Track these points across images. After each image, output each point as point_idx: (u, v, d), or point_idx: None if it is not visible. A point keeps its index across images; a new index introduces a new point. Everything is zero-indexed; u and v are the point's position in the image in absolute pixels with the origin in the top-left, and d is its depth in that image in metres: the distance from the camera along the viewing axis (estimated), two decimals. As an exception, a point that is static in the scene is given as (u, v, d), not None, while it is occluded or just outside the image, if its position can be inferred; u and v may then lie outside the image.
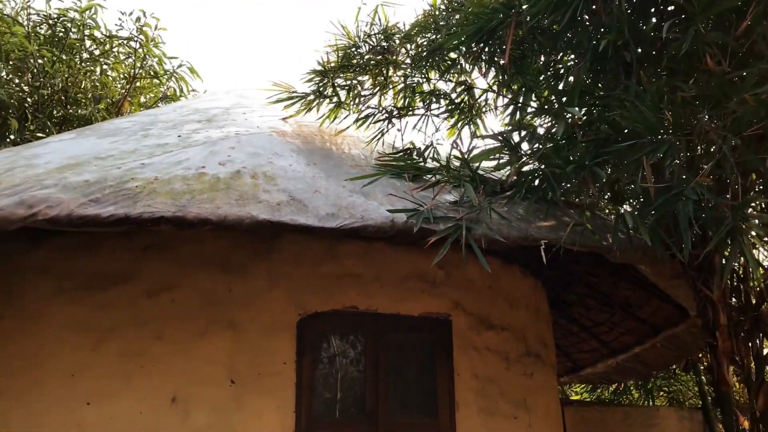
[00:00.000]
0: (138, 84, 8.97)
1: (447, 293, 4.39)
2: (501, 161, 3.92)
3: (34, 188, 2.81)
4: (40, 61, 7.96)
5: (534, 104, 4.07)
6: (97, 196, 2.78)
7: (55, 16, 8.50)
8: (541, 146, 3.45)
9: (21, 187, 2.84)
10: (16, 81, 7.72)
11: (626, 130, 3.04)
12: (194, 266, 3.87)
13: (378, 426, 3.97)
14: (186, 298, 3.82)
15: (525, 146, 3.70)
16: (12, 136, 7.13)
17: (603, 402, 9.19)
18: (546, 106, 3.82)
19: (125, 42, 9.00)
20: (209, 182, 3.04)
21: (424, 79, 4.43)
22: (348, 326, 4.12)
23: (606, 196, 3.85)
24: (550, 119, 3.78)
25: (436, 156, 3.87)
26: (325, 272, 4.02)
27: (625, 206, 3.50)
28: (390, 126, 4.37)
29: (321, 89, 4.47)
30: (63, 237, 3.96)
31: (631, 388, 10.23)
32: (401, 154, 3.88)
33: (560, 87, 3.94)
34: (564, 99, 3.47)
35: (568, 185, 3.46)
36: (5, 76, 7.74)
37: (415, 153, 3.82)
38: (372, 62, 4.35)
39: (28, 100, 8.00)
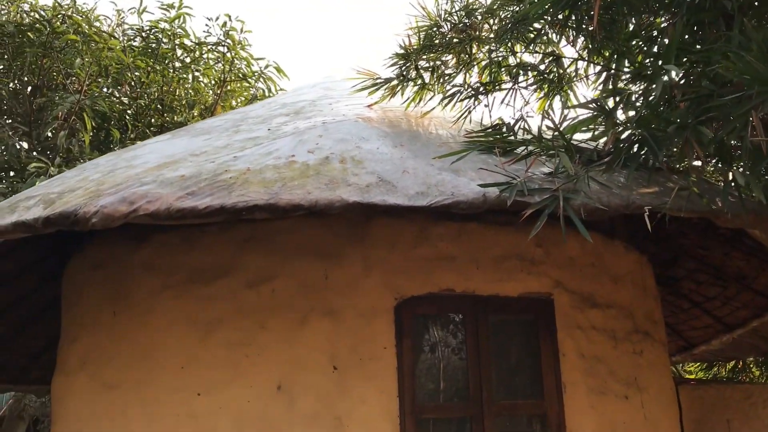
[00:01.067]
0: (228, 88, 9.23)
1: (547, 272, 4.26)
2: (596, 131, 3.76)
3: (134, 186, 2.91)
4: (136, 73, 8.32)
5: (627, 70, 3.87)
6: (193, 189, 2.85)
7: (147, 28, 8.86)
8: (638, 111, 3.27)
9: (122, 186, 2.95)
10: (116, 94, 8.11)
11: (730, 84, 2.84)
12: (291, 256, 3.92)
13: (482, 409, 3.90)
14: (285, 288, 3.88)
15: (621, 114, 3.53)
16: (114, 146, 7.49)
17: (721, 380, 8.72)
18: (641, 72, 3.63)
19: (214, 47, 9.27)
20: (299, 169, 3.06)
21: (510, 53, 4.31)
22: (446, 309, 4.06)
23: (712, 158, 3.61)
24: (645, 84, 3.59)
25: (526, 129, 3.75)
26: (419, 255, 3.99)
27: (733, 167, 3.27)
28: (477, 103, 4.28)
29: (404, 73, 4.42)
30: (166, 234, 4.11)
31: (751, 365, 9.66)
32: (490, 129, 3.78)
33: (654, 50, 3.73)
34: (660, 61, 3.28)
35: (670, 149, 3.27)
36: (106, 90, 8.14)
37: (504, 128, 3.72)
38: (455, 40, 4.27)
39: (128, 111, 8.39)
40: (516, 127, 3.70)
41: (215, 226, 4.04)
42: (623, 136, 3.45)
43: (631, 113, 3.48)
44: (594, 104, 3.33)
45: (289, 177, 2.94)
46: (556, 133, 3.30)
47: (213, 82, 9.30)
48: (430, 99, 4.52)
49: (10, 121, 7.43)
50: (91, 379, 4.13)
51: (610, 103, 3.49)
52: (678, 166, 3.71)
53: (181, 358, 3.87)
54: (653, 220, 3.07)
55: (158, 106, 8.52)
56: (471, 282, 4.05)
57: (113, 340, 4.11)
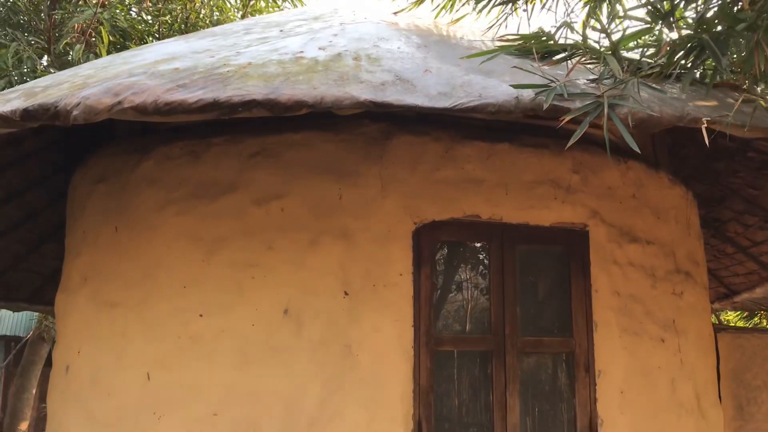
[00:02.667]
0: (254, 7, 8.80)
1: (583, 201, 3.89)
2: (647, 43, 3.32)
3: (122, 77, 2.59)
4: (158, -12, 7.95)
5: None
6: (185, 81, 2.52)
7: (172, -58, 8.42)
8: (699, 11, 2.83)
9: (110, 79, 2.64)
10: (135, 9, 7.76)
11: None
12: (303, 173, 3.61)
13: (504, 343, 3.60)
14: (295, 207, 3.58)
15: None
16: (135, 65, 7.17)
17: (763, 329, 8.32)
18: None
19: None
20: (306, 65, 2.71)
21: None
22: (470, 237, 3.74)
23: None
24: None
25: (568, 37, 3.32)
26: (442, 177, 3.64)
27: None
28: (513, 10, 3.85)
29: (435, -24, 4.00)
30: (169, 146, 3.82)
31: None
32: (528, 35, 3.36)
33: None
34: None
35: (734, 58, 2.84)
36: (126, 5, 7.80)
37: (544, 35, 3.30)
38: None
39: (150, 30, 8.04)
40: (557, 35, 3.28)
41: (221, 137, 3.74)
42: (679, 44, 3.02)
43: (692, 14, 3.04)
44: (648, 5, 2.89)
45: (293, 72, 2.59)
46: (603, 36, 2.88)
47: (239, 0, 8.88)
48: (462, 5, 4.08)
49: (27, 35, 7.16)
50: (92, 297, 3.92)
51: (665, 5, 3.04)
52: (741, 76, 3.25)
53: (184, 277, 3.63)
54: (710, 136, 2.66)
55: (182, 25, 8.15)
56: (499, 208, 3.71)
57: (114, 257, 3.88)
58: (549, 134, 3.92)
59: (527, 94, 2.61)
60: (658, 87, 2.75)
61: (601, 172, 3.98)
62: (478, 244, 3.77)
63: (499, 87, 2.61)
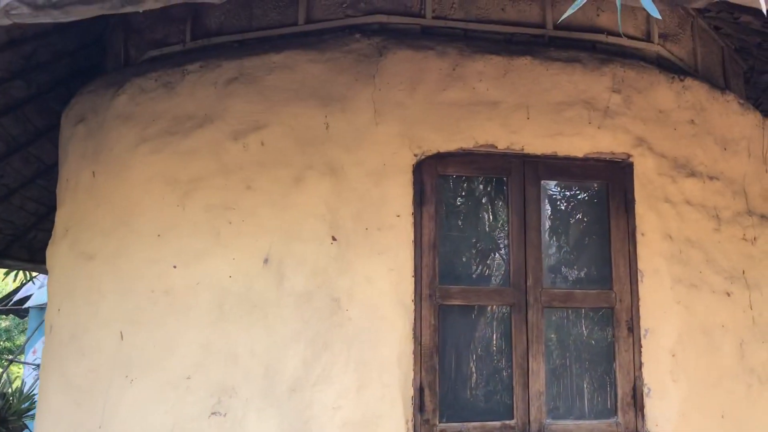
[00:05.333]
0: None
1: (626, 126, 3.22)
2: None
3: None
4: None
5: None
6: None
7: None
8: None
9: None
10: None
11: None
12: (285, 100, 3.10)
13: (526, 297, 3.02)
14: (277, 140, 3.09)
15: None
16: None
17: None
18: None
19: None
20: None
21: None
22: (484, 170, 3.14)
23: None
24: None
25: None
26: (449, 99, 3.05)
27: None
28: None
29: None
30: (145, 78, 3.38)
31: None
32: None
33: None
34: None
35: None
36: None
37: None
38: None
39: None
40: None
41: (196, 63, 3.27)
42: None
43: None
44: None
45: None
46: None
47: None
48: None
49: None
50: (71, 248, 3.56)
51: None
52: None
53: (158, 224, 3.21)
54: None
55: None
56: (519, 136, 3.10)
57: (92, 204, 3.49)
58: (581, 47, 3.26)
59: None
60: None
61: (650, 92, 3.29)
62: (494, 179, 3.17)
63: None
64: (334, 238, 2.96)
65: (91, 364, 3.27)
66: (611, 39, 3.41)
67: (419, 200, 2.99)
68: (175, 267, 3.12)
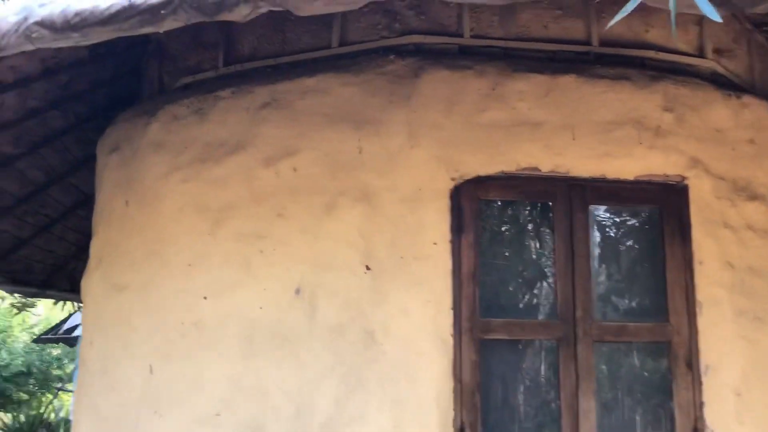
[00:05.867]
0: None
1: (679, 146, 3.01)
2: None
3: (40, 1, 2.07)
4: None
5: None
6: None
7: None
8: None
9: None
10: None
11: None
12: (317, 125, 2.99)
13: (575, 330, 2.81)
14: (309, 165, 2.97)
15: None
16: None
17: None
18: None
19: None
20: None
21: None
22: (527, 195, 2.96)
23: None
24: None
25: None
26: (488, 120, 2.90)
27: None
28: None
29: None
30: (177, 105, 3.32)
31: None
32: None
33: None
34: None
35: None
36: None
37: None
38: None
39: None
40: None
41: (228, 89, 3.19)
42: None
43: None
44: None
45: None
46: None
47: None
48: None
49: None
50: (103, 279, 3.50)
51: None
52: None
53: (189, 253, 3.11)
54: None
55: None
56: (564, 158, 2.92)
57: (124, 234, 3.43)
58: (630, 64, 3.08)
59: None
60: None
61: (704, 110, 3.08)
62: (538, 204, 2.99)
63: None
64: (367, 268, 2.82)
65: (121, 399, 3.17)
66: (661, 55, 3.21)
67: (458, 227, 2.82)
68: (205, 298, 3.02)
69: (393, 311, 2.77)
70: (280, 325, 2.87)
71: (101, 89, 4.21)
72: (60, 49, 3.40)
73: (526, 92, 2.92)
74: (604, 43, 3.13)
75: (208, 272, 3.05)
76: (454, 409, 2.71)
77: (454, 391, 2.72)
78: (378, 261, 2.82)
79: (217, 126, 3.18)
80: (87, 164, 4.82)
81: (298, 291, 2.87)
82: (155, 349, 3.10)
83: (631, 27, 3.18)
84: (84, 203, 5.17)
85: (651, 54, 3.19)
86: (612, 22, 1.59)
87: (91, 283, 3.62)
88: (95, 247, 3.68)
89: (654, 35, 3.24)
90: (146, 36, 3.89)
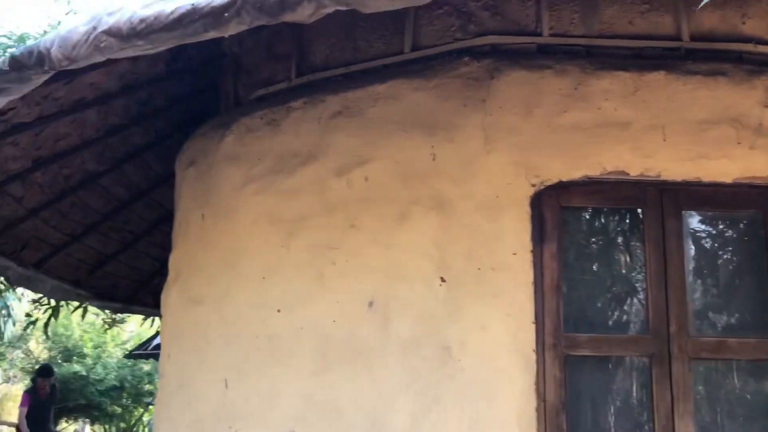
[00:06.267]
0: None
1: (784, 145, 2.75)
2: None
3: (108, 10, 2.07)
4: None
5: None
6: (167, -6, 1.94)
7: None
8: None
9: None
10: None
11: None
12: (389, 132, 2.90)
13: (669, 346, 2.59)
14: (381, 174, 2.88)
15: None
16: None
17: None
18: None
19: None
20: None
21: None
22: (614, 201, 2.77)
23: None
24: None
25: None
26: (570, 122, 2.73)
27: None
28: None
29: None
30: (252, 117, 3.31)
31: None
32: None
33: None
34: None
35: None
36: None
37: None
38: None
39: None
40: None
41: (301, 100, 3.15)
42: None
43: None
44: None
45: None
46: None
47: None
48: None
49: None
50: (180, 293, 3.51)
51: None
52: None
53: (263, 266, 3.08)
54: None
55: None
56: (654, 161, 2.72)
57: (201, 247, 3.44)
58: (725, 59, 2.85)
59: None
60: None
61: (812, 103, 2.80)
62: (626, 211, 2.79)
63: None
64: (443, 280, 2.69)
65: (197, 414, 3.15)
66: (761, 48, 2.96)
67: (539, 236, 2.66)
68: (279, 311, 2.96)
69: (470, 325, 2.63)
70: (353, 339, 2.77)
71: (179, 105, 4.29)
72: (137, 64, 3.49)
73: (612, 91, 2.74)
74: (695, 37, 2.91)
75: (282, 284, 2.99)
76: (537, 430, 2.54)
77: (537, 410, 2.55)
78: (453, 272, 2.69)
79: (290, 137, 3.14)
80: (168, 180, 4.91)
81: (371, 304, 2.78)
82: (230, 363, 3.06)
83: (726, 19, 2.94)
84: (166, 219, 5.27)
85: (749, 47, 2.94)
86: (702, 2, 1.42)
87: (169, 296, 3.64)
88: (173, 261, 3.70)
89: (751, 27, 2.98)
90: (222, 51, 3.94)
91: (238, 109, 3.55)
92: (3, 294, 11.57)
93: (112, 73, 3.27)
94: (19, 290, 11.73)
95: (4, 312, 11.44)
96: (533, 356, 2.58)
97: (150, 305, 5.90)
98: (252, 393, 2.96)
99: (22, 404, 8.05)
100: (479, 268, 2.66)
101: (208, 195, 3.45)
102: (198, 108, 4.42)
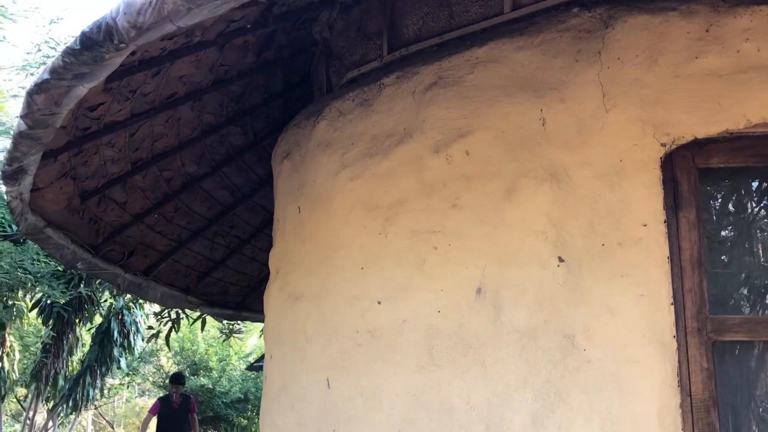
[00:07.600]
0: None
1: None
2: None
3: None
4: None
5: None
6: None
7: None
8: None
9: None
10: None
11: None
12: (490, 99, 2.60)
13: None
14: (483, 147, 2.59)
15: None
16: None
17: None
18: None
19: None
20: None
21: None
22: (761, 158, 2.32)
23: None
24: None
25: None
26: (703, 69, 2.33)
27: None
28: None
29: None
30: (343, 100, 3.11)
31: None
32: None
33: None
34: None
35: None
36: None
37: None
38: None
39: None
40: None
41: (393, 75, 2.91)
42: None
43: None
44: None
45: None
46: None
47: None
48: None
49: None
50: (280, 290, 3.36)
51: None
52: None
53: (361, 256, 2.86)
54: None
55: None
56: (810, 108, 2.26)
57: (298, 241, 3.28)
58: None
59: None
60: None
61: None
62: (779, 170, 2.34)
63: None
64: (560, 260, 2.35)
65: (300, 417, 2.97)
66: None
67: (674, 203, 2.27)
68: (379, 303, 2.73)
69: (596, 310, 2.27)
70: (461, 331, 2.48)
71: (275, 101, 4.17)
72: (225, 55, 3.38)
73: (753, 30, 2.31)
74: None
75: (381, 274, 2.76)
76: (683, 430, 2.14)
77: (682, 406, 2.16)
78: (573, 251, 2.34)
79: (383, 116, 2.91)
80: (269, 182, 4.82)
81: (479, 291, 2.48)
82: (331, 361, 2.86)
83: None
84: (270, 222, 5.19)
85: None
86: None
87: (270, 294, 3.50)
88: (273, 258, 3.56)
89: None
90: (313, 38, 3.78)
91: (329, 94, 3.37)
92: (132, 310, 12.10)
93: (200, 64, 3.16)
94: (147, 306, 12.25)
95: (132, 328, 11.96)
96: (673, 343, 2.19)
97: (260, 311, 5.83)
98: (354, 392, 2.73)
99: (151, 410, 8.27)
100: (603, 245, 2.30)
101: (303, 186, 3.29)
102: (296, 107, 4.30)
